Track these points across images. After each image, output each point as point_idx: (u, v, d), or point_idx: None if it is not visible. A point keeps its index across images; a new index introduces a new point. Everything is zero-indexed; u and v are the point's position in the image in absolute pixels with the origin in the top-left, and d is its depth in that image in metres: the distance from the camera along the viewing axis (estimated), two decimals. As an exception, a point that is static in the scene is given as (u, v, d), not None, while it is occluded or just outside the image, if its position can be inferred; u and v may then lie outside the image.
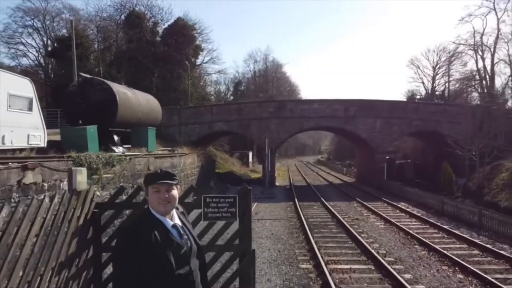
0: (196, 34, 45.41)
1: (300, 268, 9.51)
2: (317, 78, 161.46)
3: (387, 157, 33.00)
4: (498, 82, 42.12)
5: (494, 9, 40.44)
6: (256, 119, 31.40)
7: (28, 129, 11.49)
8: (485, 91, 39.38)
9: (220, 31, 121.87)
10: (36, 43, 46.70)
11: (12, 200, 8.50)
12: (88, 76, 18.94)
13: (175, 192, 2.35)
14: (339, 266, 9.64)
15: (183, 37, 41.54)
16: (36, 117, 11.90)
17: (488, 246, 11.56)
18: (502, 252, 10.88)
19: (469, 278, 8.76)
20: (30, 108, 11.64)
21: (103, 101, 17.37)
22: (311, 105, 32.29)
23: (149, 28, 42.91)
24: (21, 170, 8.87)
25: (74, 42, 23.88)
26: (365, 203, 20.57)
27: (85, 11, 48.18)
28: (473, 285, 8.39)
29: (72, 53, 23.64)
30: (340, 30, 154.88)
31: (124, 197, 5.05)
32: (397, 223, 15.04)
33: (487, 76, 40.72)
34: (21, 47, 46.04)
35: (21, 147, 11.16)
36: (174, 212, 2.37)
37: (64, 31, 47.99)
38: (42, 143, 12.19)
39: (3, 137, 10.41)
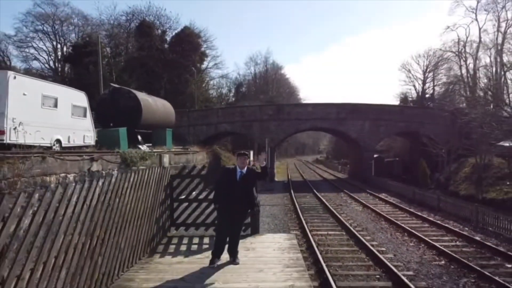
0: (201, 42, 48.91)
1: (290, 233, 12.94)
2: (315, 79, 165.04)
3: (375, 156, 36.46)
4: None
5: (476, 20, 43.96)
6: (257, 121, 34.85)
7: (83, 131, 14.94)
8: (468, 95, 42.72)
9: (222, 34, 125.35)
10: (46, 47, 49.55)
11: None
12: (117, 85, 22.37)
13: (247, 160, 5.84)
14: (320, 232, 13.11)
15: (189, 44, 45.05)
16: (88, 121, 15.36)
17: (437, 222, 15.02)
18: (445, 225, 14.34)
19: (411, 239, 12.25)
20: (85, 115, 15.09)
21: (130, 107, 20.78)
22: (306, 108, 35.82)
23: (158, 36, 46.35)
24: (89, 161, 12.34)
25: (100, 54, 27.26)
26: (351, 193, 24.00)
27: (93, 17, 51.13)
28: (413, 242, 11.87)
29: (98, 64, 27.09)
30: (338, 31, 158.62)
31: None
32: (373, 208, 18.49)
33: (470, 81, 44.10)
34: (32, 50, 49.02)
35: (79, 145, 14.61)
36: (246, 167, 5.82)
37: (73, 35, 51.22)
38: (93, 142, 15.65)
39: (68, 137, 13.86)
